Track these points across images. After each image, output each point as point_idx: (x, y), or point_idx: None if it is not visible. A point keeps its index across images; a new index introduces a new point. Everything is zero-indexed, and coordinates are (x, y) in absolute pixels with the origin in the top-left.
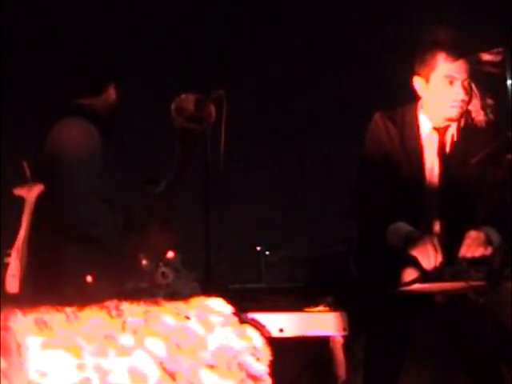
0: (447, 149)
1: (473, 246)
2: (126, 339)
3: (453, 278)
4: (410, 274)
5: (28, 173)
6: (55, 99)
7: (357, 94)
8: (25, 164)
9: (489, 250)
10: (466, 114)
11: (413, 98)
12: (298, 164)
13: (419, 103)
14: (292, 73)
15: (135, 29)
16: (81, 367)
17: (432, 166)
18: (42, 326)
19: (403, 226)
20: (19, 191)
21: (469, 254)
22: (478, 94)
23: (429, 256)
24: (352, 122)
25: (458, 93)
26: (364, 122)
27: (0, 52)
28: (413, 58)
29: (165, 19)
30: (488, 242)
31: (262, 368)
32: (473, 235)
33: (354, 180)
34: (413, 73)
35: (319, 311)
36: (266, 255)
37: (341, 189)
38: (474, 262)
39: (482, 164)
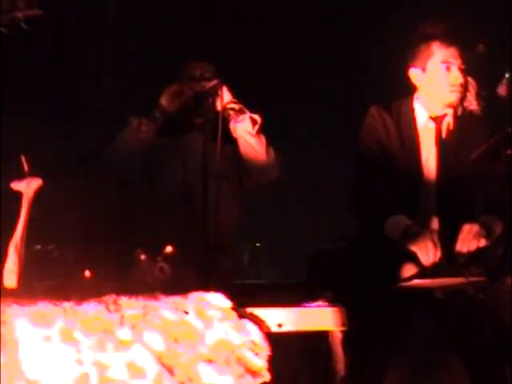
0: (444, 138)
1: (467, 240)
2: (125, 333)
3: (452, 274)
4: (408, 270)
5: (26, 167)
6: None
7: (355, 92)
8: (23, 158)
9: (483, 242)
10: (461, 102)
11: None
12: (298, 161)
13: (415, 95)
14: (288, 72)
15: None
16: (79, 362)
17: (428, 155)
18: (40, 320)
19: (402, 219)
20: (17, 186)
21: (464, 249)
22: (473, 84)
23: (428, 252)
24: (351, 120)
25: (456, 77)
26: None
27: (0, 52)
28: (405, 55)
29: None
30: (483, 233)
31: (260, 363)
32: (466, 229)
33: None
34: (407, 66)
35: (318, 306)
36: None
37: (342, 185)
38: (473, 256)
39: (482, 159)
